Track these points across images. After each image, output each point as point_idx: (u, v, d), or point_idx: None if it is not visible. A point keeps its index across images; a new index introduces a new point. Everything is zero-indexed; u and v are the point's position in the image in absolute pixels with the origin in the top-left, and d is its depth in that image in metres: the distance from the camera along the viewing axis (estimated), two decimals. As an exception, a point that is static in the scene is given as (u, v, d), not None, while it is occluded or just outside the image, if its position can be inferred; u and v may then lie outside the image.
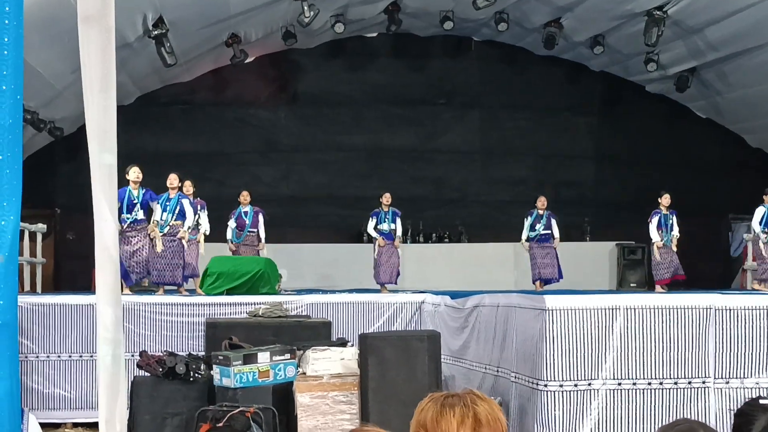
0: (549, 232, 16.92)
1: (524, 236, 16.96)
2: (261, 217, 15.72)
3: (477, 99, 21.38)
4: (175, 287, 13.87)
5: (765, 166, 21.15)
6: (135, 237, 13.39)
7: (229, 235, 15.65)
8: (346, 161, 21.01)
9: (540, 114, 21.37)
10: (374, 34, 20.61)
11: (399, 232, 16.24)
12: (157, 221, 13.59)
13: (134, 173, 13.34)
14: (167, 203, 13.65)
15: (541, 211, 16.98)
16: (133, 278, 13.64)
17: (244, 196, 15.84)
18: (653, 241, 16.11)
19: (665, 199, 16.06)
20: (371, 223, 16.16)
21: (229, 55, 18.70)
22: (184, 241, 13.73)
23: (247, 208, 15.75)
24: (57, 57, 14.97)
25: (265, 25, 18.32)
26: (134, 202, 13.30)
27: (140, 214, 13.38)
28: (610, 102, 21.62)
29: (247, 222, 15.61)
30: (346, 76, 21.04)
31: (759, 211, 15.67)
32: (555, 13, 18.18)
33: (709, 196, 20.44)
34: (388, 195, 16.17)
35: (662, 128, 21.43)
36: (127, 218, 13.28)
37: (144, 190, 13.44)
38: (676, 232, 15.98)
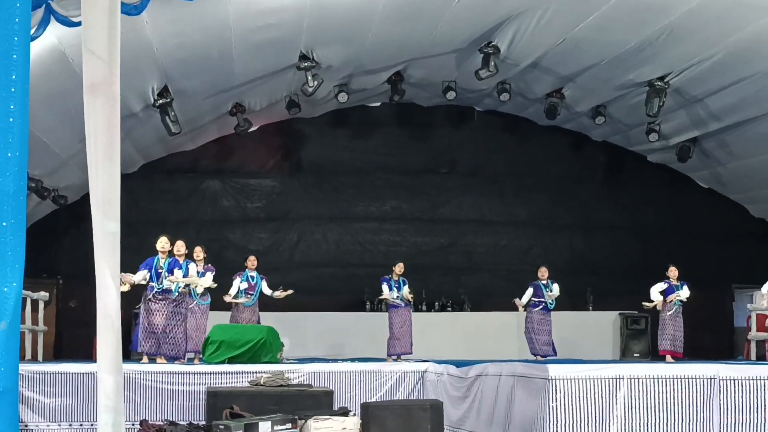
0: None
1: (524, 301, 16.93)
2: (265, 282, 15.77)
3: (480, 168, 21.45)
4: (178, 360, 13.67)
5: (767, 236, 21.15)
6: (157, 308, 13.25)
7: (233, 291, 15.57)
8: (349, 229, 21.03)
9: (543, 183, 21.42)
10: (377, 104, 20.74)
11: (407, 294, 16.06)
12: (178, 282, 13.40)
13: (161, 243, 13.29)
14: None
15: (543, 282, 16.98)
16: (141, 349, 13.41)
17: (252, 261, 15.84)
18: (653, 300, 16.01)
19: (672, 272, 16.00)
20: (385, 288, 16.02)
21: (233, 124, 18.81)
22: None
23: (254, 273, 15.77)
24: (63, 126, 15.06)
25: (269, 95, 18.44)
26: (160, 272, 13.22)
27: (166, 284, 13.26)
28: (612, 171, 21.68)
29: (256, 287, 15.64)
30: (350, 145, 21.13)
31: None
32: (557, 83, 18.29)
33: (711, 266, 20.38)
34: (401, 265, 16.09)
35: (664, 198, 21.47)
36: (153, 287, 13.21)
37: (170, 259, 13.34)
38: (683, 296, 15.88)
